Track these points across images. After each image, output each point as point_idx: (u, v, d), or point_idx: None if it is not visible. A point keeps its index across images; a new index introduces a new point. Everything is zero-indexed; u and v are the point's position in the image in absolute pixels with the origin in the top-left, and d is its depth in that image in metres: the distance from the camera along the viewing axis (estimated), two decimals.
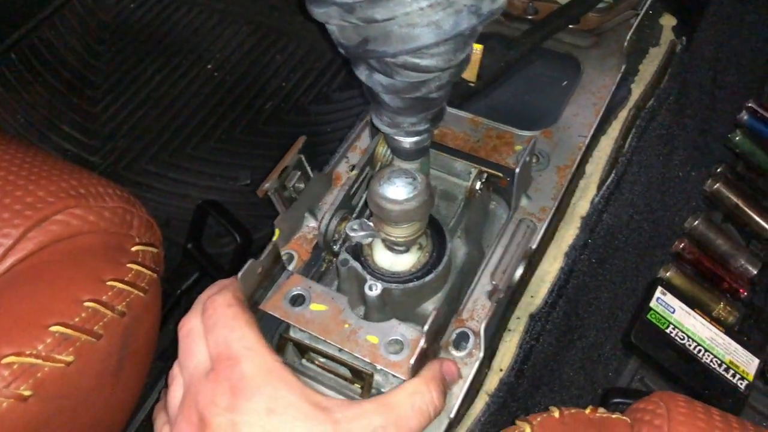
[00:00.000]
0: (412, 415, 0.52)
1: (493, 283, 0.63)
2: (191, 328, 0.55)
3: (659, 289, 0.94)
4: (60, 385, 0.51)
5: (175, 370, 0.57)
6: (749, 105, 1.11)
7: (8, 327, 0.51)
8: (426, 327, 0.57)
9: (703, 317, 0.93)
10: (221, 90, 1.50)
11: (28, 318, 0.52)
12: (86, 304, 0.55)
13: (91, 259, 0.60)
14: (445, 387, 0.57)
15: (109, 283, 0.58)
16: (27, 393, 0.48)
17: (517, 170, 0.69)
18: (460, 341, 0.65)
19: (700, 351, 0.92)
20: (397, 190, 0.57)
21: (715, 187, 1.05)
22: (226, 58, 1.56)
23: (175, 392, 0.54)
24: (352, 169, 0.80)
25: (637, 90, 0.90)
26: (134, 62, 1.57)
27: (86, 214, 0.64)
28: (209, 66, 1.55)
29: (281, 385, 0.49)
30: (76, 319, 0.53)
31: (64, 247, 0.61)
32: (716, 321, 0.94)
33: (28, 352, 0.49)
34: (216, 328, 0.53)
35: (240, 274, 0.60)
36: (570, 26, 0.92)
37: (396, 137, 0.57)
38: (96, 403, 0.58)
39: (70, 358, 0.52)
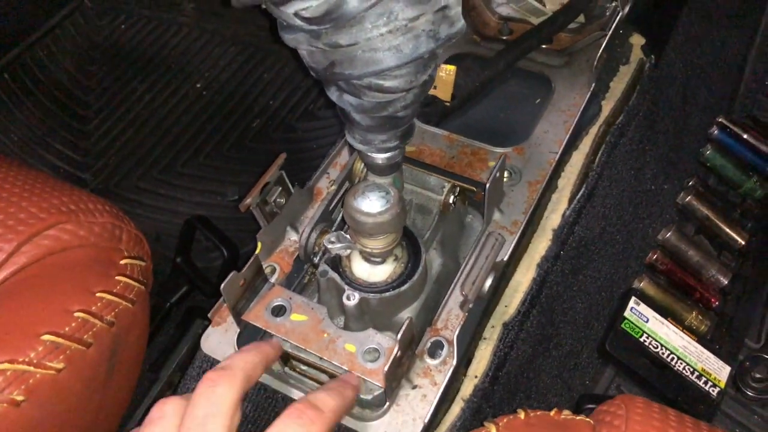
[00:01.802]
0: None
1: (463, 293, 0.66)
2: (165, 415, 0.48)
3: (633, 299, 0.97)
4: (51, 391, 0.54)
5: None
6: (719, 120, 1.14)
7: (2, 336, 0.53)
8: (399, 336, 0.60)
9: (675, 326, 0.96)
10: (210, 108, 1.54)
11: (21, 327, 0.54)
12: (76, 314, 0.58)
13: (81, 271, 0.63)
14: None
15: (98, 294, 0.61)
16: (20, 398, 0.51)
17: (488, 185, 0.72)
18: (435, 349, 0.68)
19: (673, 359, 0.94)
20: (370, 204, 0.60)
21: (687, 199, 1.09)
22: (215, 77, 1.59)
23: None
24: (332, 185, 0.83)
25: (607, 106, 0.94)
26: (125, 82, 1.60)
27: (77, 229, 0.67)
28: (198, 85, 1.58)
29: None
30: (67, 329, 0.56)
31: (55, 260, 0.64)
32: (689, 330, 0.97)
33: (20, 360, 0.52)
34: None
35: (223, 285, 0.62)
36: (543, 46, 0.96)
37: (369, 153, 0.61)
38: (87, 410, 0.61)
39: (60, 366, 0.54)
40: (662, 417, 0.50)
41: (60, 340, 0.55)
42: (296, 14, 0.44)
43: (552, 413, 0.54)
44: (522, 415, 0.53)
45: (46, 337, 0.55)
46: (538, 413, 0.54)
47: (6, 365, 0.51)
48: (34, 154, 1.47)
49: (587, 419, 0.54)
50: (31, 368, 0.52)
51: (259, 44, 1.62)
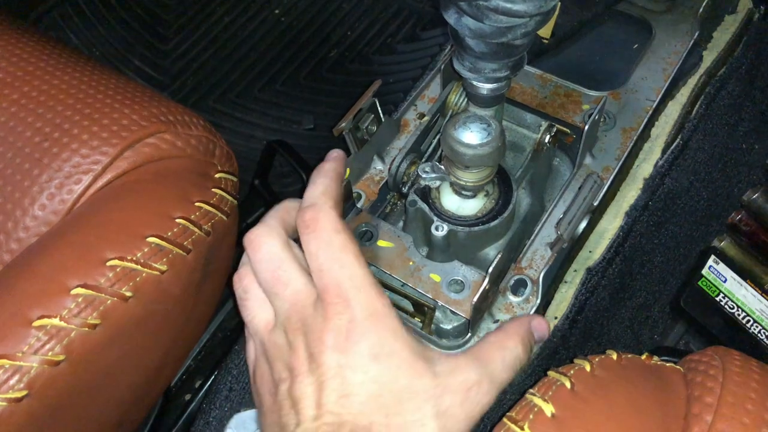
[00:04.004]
0: (503, 369, 0.52)
1: (558, 233, 0.66)
2: (270, 251, 0.52)
3: (712, 257, 0.95)
4: (155, 291, 0.56)
5: (247, 331, 0.55)
6: None
7: (112, 235, 0.55)
8: (491, 269, 0.60)
9: (754, 289, 0.94)
10: (287, 35, 1.53)
11: (129, 228, 0.56)
12: (178, 220, 0.59)
13: (180, 180, 0.65)
14: (531, 343, 0.56)
15: (196, 203, 0.62)
16: (128, 294, 0.53)
17: (586, 128, 0.70)
18: (518, 287, 0.68)
19: (748, 321, 0.93)
20: (471, 135, 0.60)
21: None
22: (293, 4, 1.58)
23: (251, 350, 0.54)
24: (420, 117, 0.83)
25: (709, 57, 0.90)
26: (204, 2, 1.60)
27: (174, 140, 0.68)
28: (276, 11, 1.57)
29: (387, 332, 0.48)
30: (169, 233, 0.58)
31: (154, 168, 0.65)
32: None
33: (129, 258, 0.54)
34: (321, 256, 0.49)
35: None
36: None
37: (475, 83, 0.60)
38: (181, 314, 0.63)
39: (164, 267, 0.56)
40: (762, 371, 0.50)
41: (164, 243, 0.57)
42: None
43: (643, 357, 0.54)
44: (614, 355, 0.53)
45: (152, 239, 0.56)
46: (630, 356, 0.54)
47: (117, 262, 0.53)
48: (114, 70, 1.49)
49: (677, 367, 0.54)
50: (139, 267, 0.54)
51: None
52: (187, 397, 0.94)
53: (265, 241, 0.53)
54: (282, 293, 0.50)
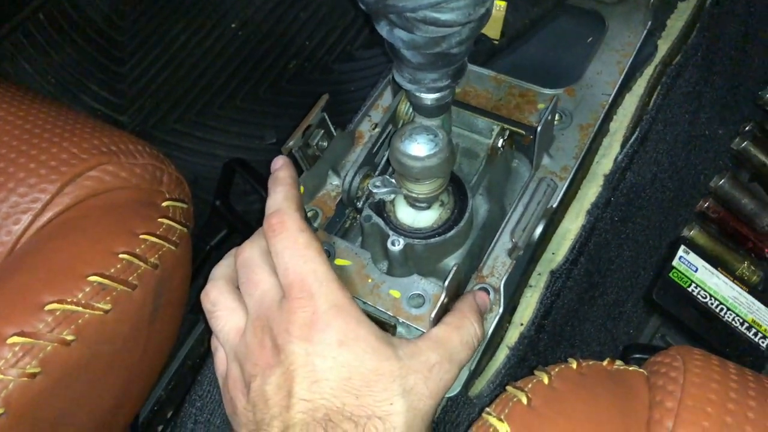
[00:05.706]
0: (461, 348, 0.55)
1: (513, 240, 0.64)
2: (250, 256, 0.55)
3: (682, 248, 0.94)
4: (99, 332, 0.54)
5: (215, 342, 0.56)
6: None
7: (50, 276, 0.53)
8: (446, 282, 0.59)
9: (726, 276, 0.94)
10: (245, 49, 1.51)
11: (68, 268, 0.54)
12: (121, 256, 0.57)
13: (124, 213, 0.63)
14: (481, 317, 0.59)
15: (141, 236, 0.60)
16: (70, 338, 0.51)
17: (539, 129, 0.69)
18: None
19: (722, 309, 0.92)
20: (418, 147, 0.58)
21: (743, 145, 1.04)
22: (250, 17, 1.56)
23: (220, 361, 0.55)
24: (374, 128, 0.81)
25: (663, 46, 0.89)
26: (159, 22, 1.58)
27: (118, 171, 0.66)
28: (233, 25, 1.55)
29: (351, 321, 0.51)
30: (112, 270, 0.56)
31: (98, 202, 0.63)
32: (740, 280, 0.94)
33: (69, 300, 0.52)
34: (286, 255, 0.52)
35: None
36: None
37: (417, 94, 0.58)
38: (133, 350, 0.61)
39: (107, 306, 0.54)
40: (722, 370, 0.49)
41: (106, 281, 0.55)
42: None
43: (605, 363, 0.53)
44: (574, 364, 0.52)
45: (93, 278, 0.54)
46: (590, 363, 0.53)
47: (56, 305, 0.51)
48: (71, 97, 1.47)
49: (640, 370, 0.53)
50: (80, 309, 0.53)
51: None
52: (160, 428, 0.92)
53: (247, 247, 0.56)
54: (253, 293, 0.54)
